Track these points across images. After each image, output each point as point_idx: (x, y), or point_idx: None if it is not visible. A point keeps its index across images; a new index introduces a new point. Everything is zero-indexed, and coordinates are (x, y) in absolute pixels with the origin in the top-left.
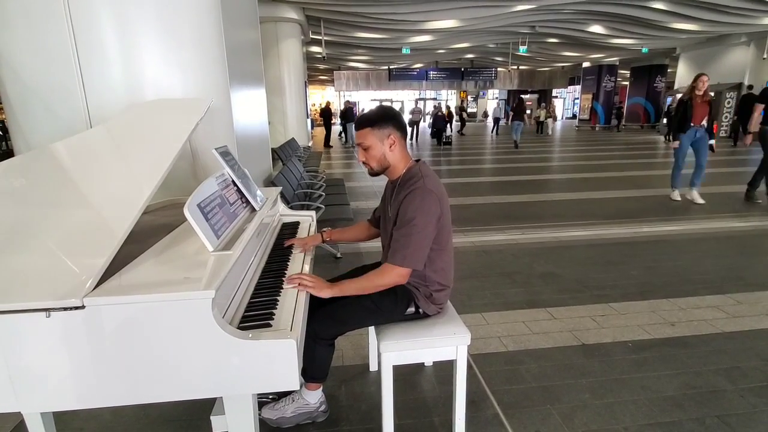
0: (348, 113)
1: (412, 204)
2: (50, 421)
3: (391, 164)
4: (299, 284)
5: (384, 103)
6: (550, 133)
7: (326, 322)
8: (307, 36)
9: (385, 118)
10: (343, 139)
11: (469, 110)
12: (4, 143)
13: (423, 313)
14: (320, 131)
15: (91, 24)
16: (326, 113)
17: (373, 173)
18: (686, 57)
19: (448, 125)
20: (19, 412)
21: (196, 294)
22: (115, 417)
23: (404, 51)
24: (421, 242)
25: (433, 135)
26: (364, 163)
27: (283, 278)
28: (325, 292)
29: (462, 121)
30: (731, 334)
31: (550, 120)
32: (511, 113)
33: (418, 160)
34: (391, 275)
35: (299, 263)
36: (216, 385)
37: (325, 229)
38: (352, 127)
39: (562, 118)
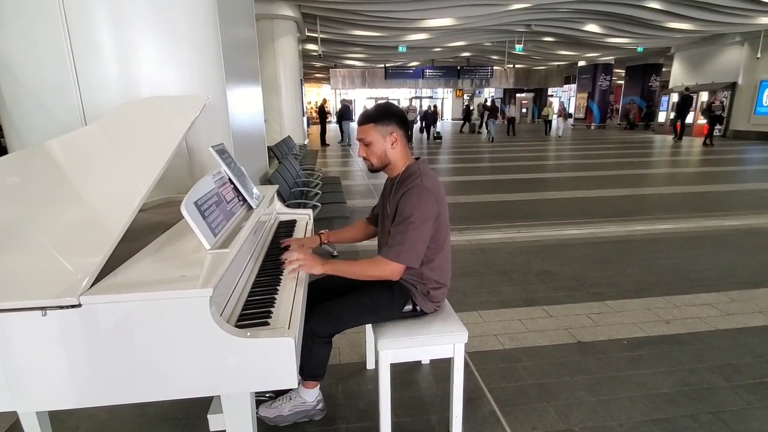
0: (345, 112)
1: (409, 202)
2: (45, 420)
3: (391, 161)
4: (298, 266)
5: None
6: (560, 134)
7: (323, 320)
8: (303, 33)
9: (389, 115)
10: (339, 138)
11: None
12: None
13: (420, 311)
14: (315, 129)
15: (85, 21)
16: (321, 111)
17: (373, 169)
18: (681, 56)
19: (437, 122)
20: (15, 411)
21: (193, 292)
22: (111, 416)
23: (400, 49)
24: (417, 240)
25: (421, 130)
26: (364, 158)
27: (280, 276)
28: (317, 269)
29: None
30: (725, 331)
31: (560, 119)
32: (486, 112)
33: (417, 158)
34: (384, 269)
35: None
36: (213, 384)
37: (322, 231)
38: (348, 125)
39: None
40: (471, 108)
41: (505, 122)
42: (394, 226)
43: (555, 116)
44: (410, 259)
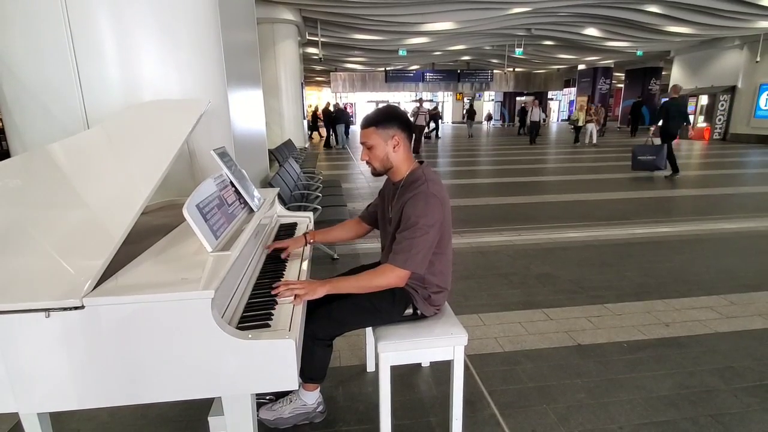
0: (341, 115)
1: (416, 208)
2: (47, 421)
3: (394, 165)
4: (294, 296)
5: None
6: (594, 141)
7: (324, 323)
8: (304, 37)
9: (390, 118)
10: (333, 142)
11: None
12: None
13: (421, 315)
14: (316, 133)
15: (88, 24)
16: (326, 114)
17: (376, 173)
18: (680, 60)
19: (430, 123)
20: (16, 413)
21: (195, 294)
22: (112, 417)
23: (401, 53)
24: (423, 245)
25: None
26: (367, 162)
27: (281, 278)
28: (319, 291)
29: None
30: (724, 334)
31: (591, 125)
32: (465, 114)
33: (422, 162)
34: (391, 276)
35: (297, 264)
36: (215, 385)
37: (308, 231)
38: (341, 128)
39: (557, 120)
40: (527, 110)
41: (525, 128)
42: (400, 232)
43: (584, 121)
44: (417, 265)
